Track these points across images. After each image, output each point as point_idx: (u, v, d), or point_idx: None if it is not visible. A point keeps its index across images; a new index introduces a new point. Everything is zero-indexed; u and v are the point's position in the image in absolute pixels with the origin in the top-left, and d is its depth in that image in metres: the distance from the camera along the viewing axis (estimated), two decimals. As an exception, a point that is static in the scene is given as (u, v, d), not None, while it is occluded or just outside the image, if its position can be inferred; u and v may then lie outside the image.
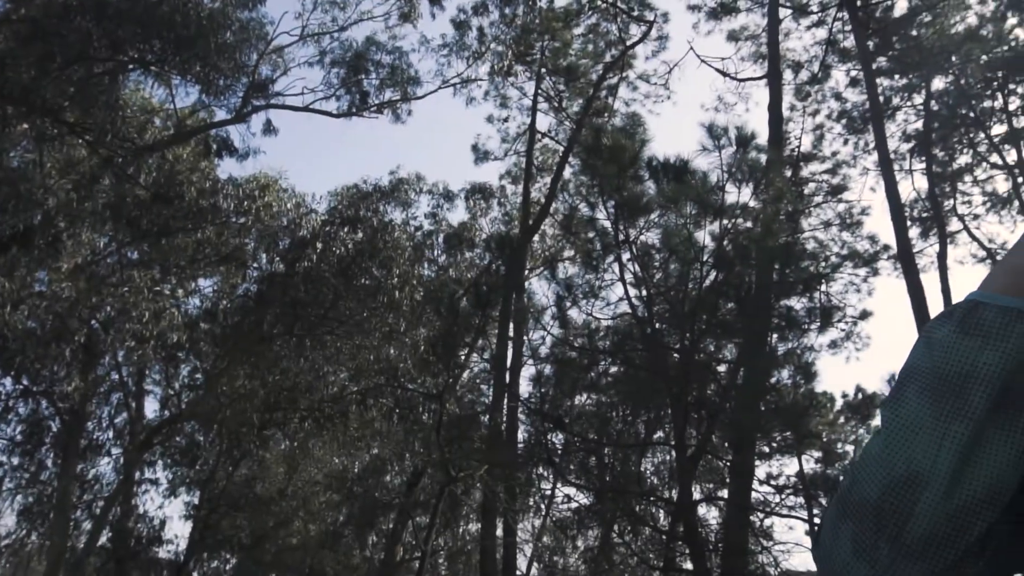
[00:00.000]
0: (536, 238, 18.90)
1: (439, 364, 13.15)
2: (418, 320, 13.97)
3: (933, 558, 0.64)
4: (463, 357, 15.83)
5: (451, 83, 18.05)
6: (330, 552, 18.54)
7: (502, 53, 18.28)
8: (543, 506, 15.93)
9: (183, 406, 14.80)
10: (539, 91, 19.33)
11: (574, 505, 12.72)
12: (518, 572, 15.87)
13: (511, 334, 15.32)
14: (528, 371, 15.09)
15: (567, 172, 16.84)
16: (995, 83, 16.31)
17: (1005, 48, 16.23)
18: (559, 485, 13.94)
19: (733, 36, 17.96)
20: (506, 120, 20.13)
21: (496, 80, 19.26)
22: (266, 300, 13.43)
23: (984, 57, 16.24)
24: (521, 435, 13.54)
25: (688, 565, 9.92)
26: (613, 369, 11.05)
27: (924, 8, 17.16)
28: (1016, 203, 17.43)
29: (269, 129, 15.34)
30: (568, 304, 9.19)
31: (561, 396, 11.91)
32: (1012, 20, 16.50)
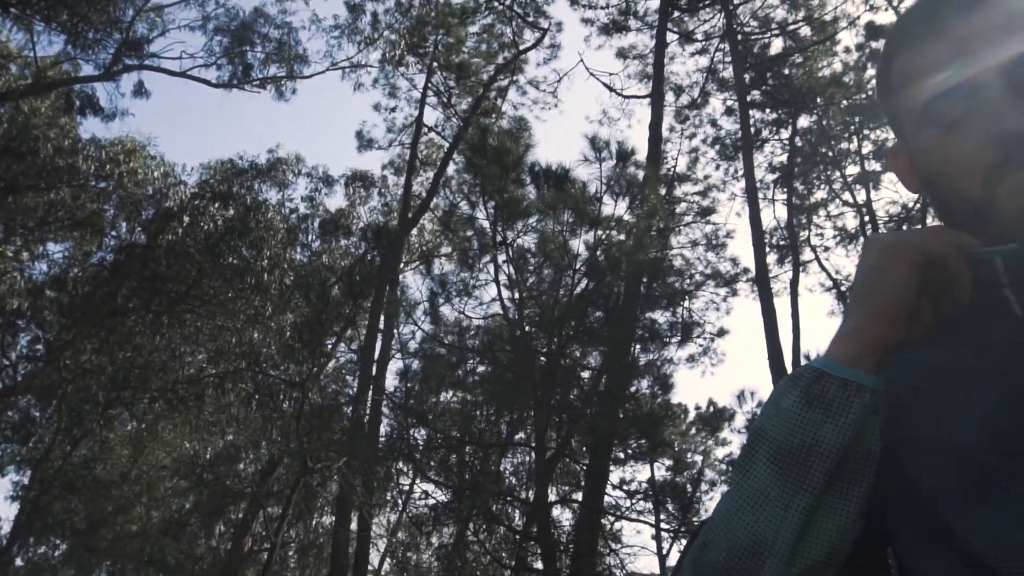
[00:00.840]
0: (414, 232, 18.78)
1: (304, 352, 12.82)
2: (286, 305, 13.56)
3: None
4: (330, 346, 15.50)
5: (340, 66, 17.70)
6: (172, 540, 17.69)
7: (395, 42, 18.07)
8: (400, 502, 15.84)
9: (19, 378, 13.72)
10: (429, 85, 19.23)
11: (431, 502, 12.72)
12: (370, 567, 15.69)
13: (381, 326, 15.14)
14: (395, 365, 14.96)
15: (450, 169, 16.84)
16: (852, 127, 17.58)
17: (863, 96, 17.53)
18: (418, 481, 13.90)
19: (622, 53, 18.51)
20: (393, 110, 19.91)
21: (387, 69, 19.02)
22: (123, 272, 12.64)
23: (845, 102, 17.48)
24: (383, 429, 13.40)
25: (539, 565, 10.12)
26: (481, 368, 11.14)
27: (797, 50, 18.30)
28: (862, 239, 18.86)
29: (140, 91, 14.53)
30: (441, 301, 9.18)
31: (427, 392, 11.88)
32: (871, 71, 17.85)
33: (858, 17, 17.77)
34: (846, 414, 0.67)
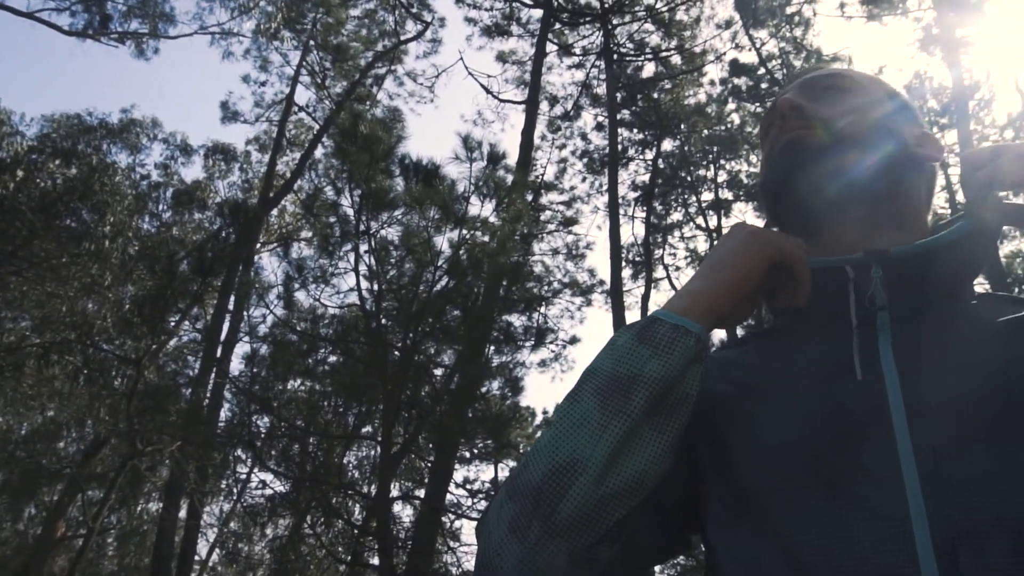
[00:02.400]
0: (275, 212, 18.13)
1: (144, 327, 12.07)
2: (127, 276, 12.73)
3: (575, 538, 0.71)
4: (172, 323, 14.68)
5: (210, 31, 16.82)
6: (-29, 522, 16.16)
7: (271, 14, 17.38)
8: (235, 491, 15.22)
9: None
10: (304, 63, 18.63)
11: (269, 492, 12.30)
12: (197, 557, 14.98)
13: (230, 307, 14.51)
14: (242, 348, 14.39)
15: (318, 152, 16.40)
16: (710, 156, 18.58)
17: (722, 128, 18.58)
18: (256, 470, 13.41)
19: (502, 57, 18.70)
20: (264, 84, 19.12)
21: (260, 41, 18.25)
22: (-61, 224, 11.44)
23: (705, 131, 18.45)
24: (224, 414, 12.83)
25: (375, 561, 10.01)
26: (332, 358, 10.90)
27: (667, 76, 19.13)
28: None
29: (-23, 28, 13.17)
30: (296, 286, 8.91)
31: (273, 379, 11.49)
32: (731, 106, 18.94)
33: (724, 53, 18.79)
34: (672, 352, 0.75)
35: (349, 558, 11.32)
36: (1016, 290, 15.19)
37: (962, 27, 15.04)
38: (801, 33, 18.40)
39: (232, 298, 14.31)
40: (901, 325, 0.80)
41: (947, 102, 16.76)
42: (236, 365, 14.00)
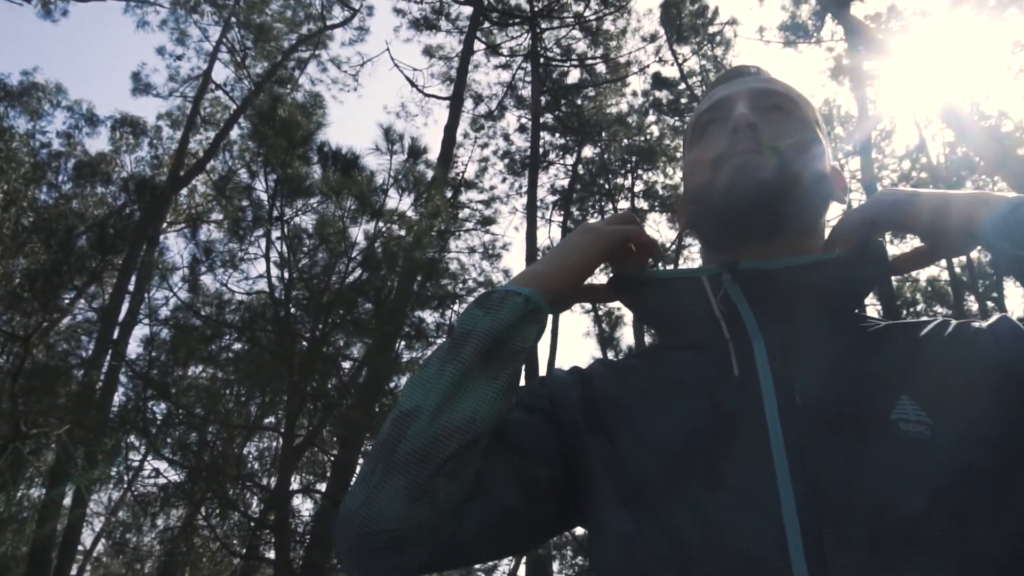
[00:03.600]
0: (184, 192, 17.48)
1: (35, 303, 11.45)
2: (20, 248, 12.04)
3: (412, 471, 0.79)
4: (67, 301, 13.97)
5: (125, -2, 16.09)
6: None
7: (192, -14, 16.79)
8: (126, 478, 14.61)
9: None
10: (224, 40, 18.05)
11: (162, 481, 11.86)
12: (80, 547, 14.30)
13: (131, 288, 13.91)
14: (141, 331, 13.80)
15: (234, 132, 15.91)
16: (628, 165, 18.94)
17: (642, 139, 18.98)
18: (150, 458, 12.90)
19: (429, 51, 18.59)
20: (180, 58, 18.52)
21: (178, 12, 17.60)
22: None
23: (625, 141, 18.81)
24: (118, 398, 12.30)
25: (271, 555, 9.79)
26: (237, 346, 10.60)
27: (591, 84, 19.42)
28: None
29: None
30: (203, 269, 8.62)
31: (173, 364, 11.08)
32: (652, 118, 19.37)
33: (648, 66, 19.21)
34: (501, 310, 0.88)
35: (244, 551, 11.03)
36: (905, 313, 16.09)
37: (870, 60, 15.84)
38: (722, 53, 19.00)
39: (133, 278, 13.72)
40: (774, 332, 0.87)
41: (852, 130, 17.63)
42: (133, 348, 13.47)
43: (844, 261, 0.92)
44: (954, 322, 0.90)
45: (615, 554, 0.81)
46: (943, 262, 14.11)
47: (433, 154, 11.67)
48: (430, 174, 9.42)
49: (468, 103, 18.72)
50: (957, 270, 16.55)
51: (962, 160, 18.04)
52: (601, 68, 19.55)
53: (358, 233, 8.29)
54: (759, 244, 0.94)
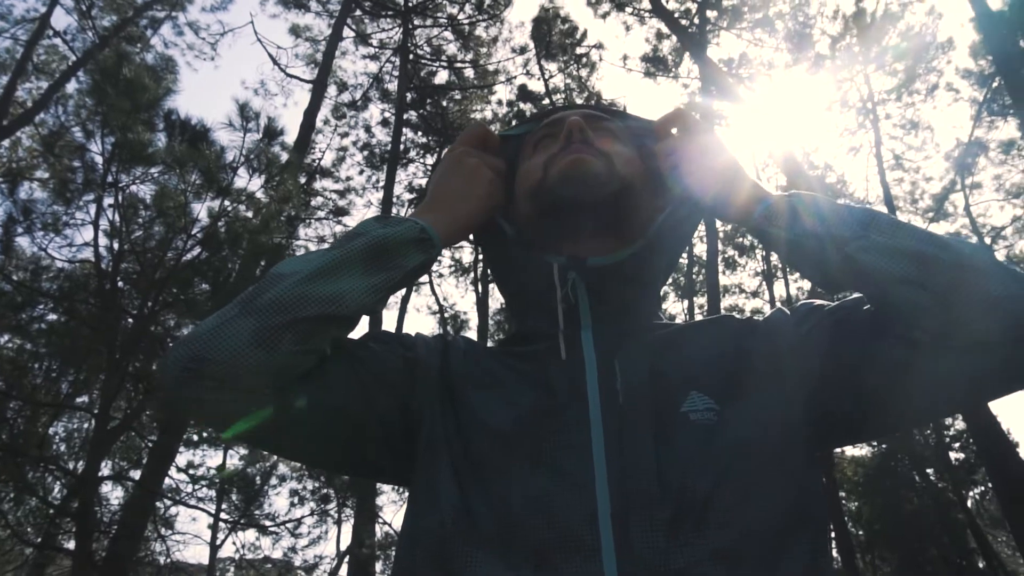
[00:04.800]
0: (6, 143, 15.91)
1: None
2: None
3: (267, 316, 0.83)
4: None
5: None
6: None
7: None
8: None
9: None
10: (68, -14, 16.61)
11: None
12: None
13: (-69, 243, 12.48)
14: (-61, 292, 12.39)
15: (71, 86, 14.68)
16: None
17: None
18: (-65, 433, 11.60)
19: (296, 31, 18.01)
20: (14, -2, 16.82)
21: (17, -52, 16.03)
22: None
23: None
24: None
25: (71, 544, 9.07)
26: (52, 317, 9.76)
27: (458, 87, 19.49)
28: (472, 274, 20.54)
29: None
30: (20, 230, 7.88)
31: (-26, 331, 10.04)
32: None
33: (515, 77, 19.54)
34: (396, 227, 0.94)
35: (39, 540, 10.15)
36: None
37: (719, 101, 16.90)
38: (587, 74, 19.64)
39: (-66, 233, 12.31)
40: (605, 327, 0.96)
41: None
42: (-73, 310, 12.04)
43: (656, 245, 1.03)
44: (738, 317, 1.03)
45: (439, 523, 0.84)
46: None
47: (290, 137, 11.29)
48: (285, 157, 9.10)
49: (332, 89, 18.27)
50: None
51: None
52: (469, 73, 19.68)
53: (201, 210, 7.87)
54: (590, 238, 1.01)
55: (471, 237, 1.12)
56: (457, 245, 21.31)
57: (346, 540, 18.73)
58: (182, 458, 14.89)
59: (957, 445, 18.74)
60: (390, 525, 15.83)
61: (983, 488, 19.63)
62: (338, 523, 18.70)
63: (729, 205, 0.97)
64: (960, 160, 20.41)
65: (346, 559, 14.45)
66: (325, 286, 0.86)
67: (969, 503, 18.97)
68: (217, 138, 8.09)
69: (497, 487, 0.83)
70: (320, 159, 18.79)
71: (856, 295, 0.94)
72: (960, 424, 17.94)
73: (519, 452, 0.85)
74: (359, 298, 0.88)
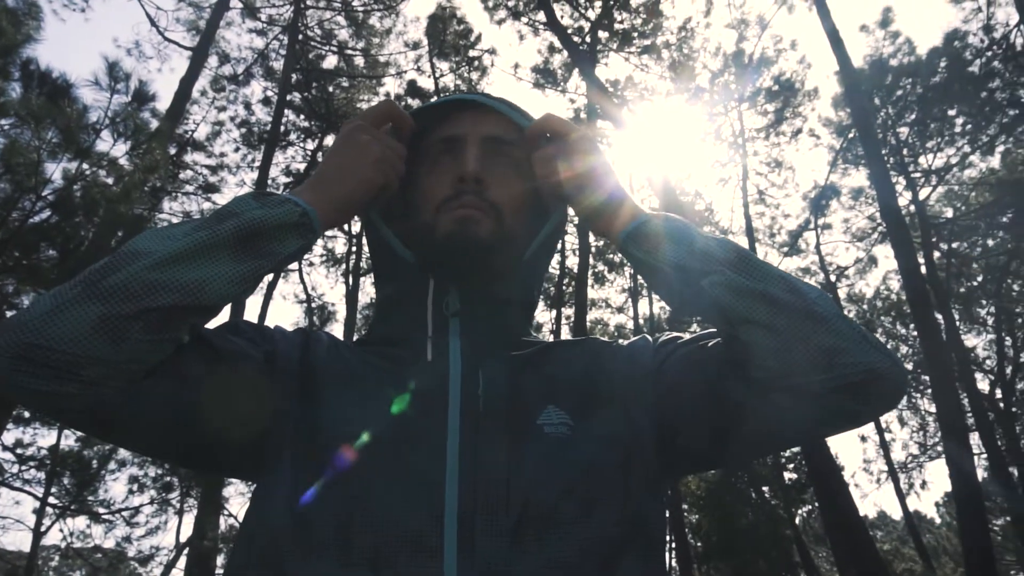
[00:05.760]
0: None
1: None
2: None
3: (113, 304, 0.76)
4: None
5: None
6: None
7: None
8: None
9: None
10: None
11: None
12: None
13: None
14: None
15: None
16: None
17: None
18: None
19: (179, -6, 17.07)
20: None
21: None
22: None
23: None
24: None
25: None
26: None
27: (346, 75, 19.11)
28: (344, 266, 20.15)
29: None
30: None
31: None
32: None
33: (405, 71, 19.37)
34: (275, 209, 0.88)
35: None
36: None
37: (603, 120, 17.40)
38: (477, 77, 19.73)
39: None
40: (471, 333, 0.98)
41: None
42: None
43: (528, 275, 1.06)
44: (602, 340, 1.07)
45: (279, 521, 0.82)
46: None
47: (163, 104, 10.73)
48: (155, 124, 8.61)
49: (213, 60, 17.47)
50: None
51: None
52: (360, 61, 19.33)
53: (55, 171, 7.33)
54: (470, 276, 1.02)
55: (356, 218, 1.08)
56: (330, 234, 20.82)
57: (187, 531, 17.88)
58: (10, 436, 13.79)
59: (791, 466, 20.08)
60: (236, 518, 15.25)
61: (811, 507, 21.14)
62: (180, 513, 17.84)
63: (601, 218, 0.99)
64: (815, 201, 21.96)
65: (185, 551, 13.79)
66: (185, 272, 0.79)
67: (797, 520, 20.36)
68: (81, 96, 7.55)
69: (346, 485, 0.82)
70: (193, 131, 17.90)
71: (710, 329, 0.98)
72: (796, 447, 19.27)
73: (373, 450, 0.84)
74: (223, 288, 0.82)
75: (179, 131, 15.78)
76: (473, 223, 0.98)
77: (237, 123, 18.83)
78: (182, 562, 14.55)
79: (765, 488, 19.92)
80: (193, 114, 17.65)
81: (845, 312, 0.88)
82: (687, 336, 1.01)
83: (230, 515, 15.05)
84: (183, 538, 16.50)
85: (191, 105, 16.56)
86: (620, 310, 23.65)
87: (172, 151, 15.17)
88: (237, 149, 18.95)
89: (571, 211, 1.08)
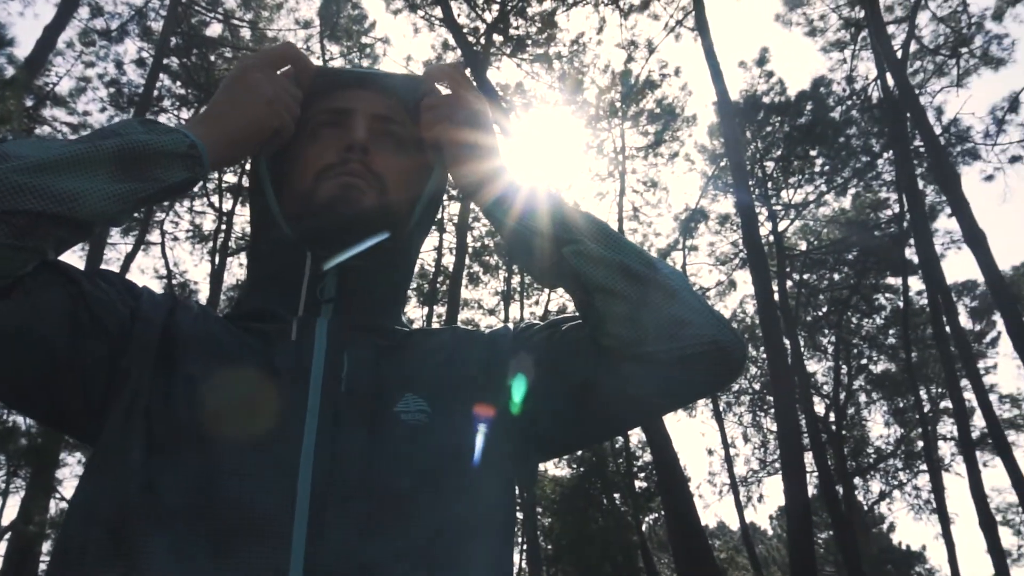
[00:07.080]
0: None
1: None
2: None
3: None
4: None
5: None
6: None
7: None
8: None
9: None
10: None
11: None
12: None
13: None
14: None
15: None
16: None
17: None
18: None
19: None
20: None
21: None
22: None
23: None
24: None
25: None
26: None
27: (230, 45, 18.33)
28: (211, 243, 19.32)
29: None
30: None
31: None
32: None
33: (293, 49, 18.77)
34: (162, 136, 0.84)
35: None
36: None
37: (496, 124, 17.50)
38: (368, 65, 19.40)
39: None
40: (341, 313, 0.96)
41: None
42: None
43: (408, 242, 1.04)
44: (466, 328, 1.07)
45: (122, 496, 0.77)
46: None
47: (22, 51, 9.91)
48: (11, 72, 7.96)
49: (84, 11, 16.31)
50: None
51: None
52: (246, 33, 18.59)
53: None
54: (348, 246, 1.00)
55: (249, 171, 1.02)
56: (199, 209, 19.89)
57: (11, 514, 16.57)
58: None
59: (643, 475, 20.88)
60: (67, 501, 14.26)
61: (657, 515, 22.06)
62: (4, 494, 16.50)
63: (472, 178, 0.99)
64: (685, 223, 22.99)
65: (7, 536, 12.76)
66: (58, 180, 0.74)
67: (644, 527, 21.20)
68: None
69: (196, 461, 0.78)
70: (55, 84, 16.65)
71: (571, 314, 1.01)
72: (648, 456, 20.02)
73: (228, 427, 0.81)
74: (99, 204, 0.77)
75: (39, 83, 14.64)
76: (357, 191, 0.95)
77: (106, 81, 17.68)
78: (2, 547, 13.48)
79: (616, 495, 20.61)
80: (57, 66, 16.44)
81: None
82: (545, 322, 1.03)
83: (62, 499, 14.05)
84: (6, 521, 15.27)
85: (55, 56, 15.43)
86: (492, 312, 23.85)
87: (29, 102, 14.06)
88: (103, 109, 17.79)
89: (450, 179, 1.06)
